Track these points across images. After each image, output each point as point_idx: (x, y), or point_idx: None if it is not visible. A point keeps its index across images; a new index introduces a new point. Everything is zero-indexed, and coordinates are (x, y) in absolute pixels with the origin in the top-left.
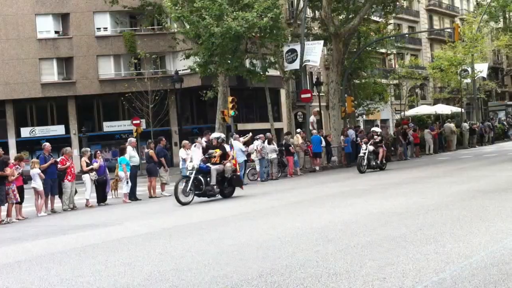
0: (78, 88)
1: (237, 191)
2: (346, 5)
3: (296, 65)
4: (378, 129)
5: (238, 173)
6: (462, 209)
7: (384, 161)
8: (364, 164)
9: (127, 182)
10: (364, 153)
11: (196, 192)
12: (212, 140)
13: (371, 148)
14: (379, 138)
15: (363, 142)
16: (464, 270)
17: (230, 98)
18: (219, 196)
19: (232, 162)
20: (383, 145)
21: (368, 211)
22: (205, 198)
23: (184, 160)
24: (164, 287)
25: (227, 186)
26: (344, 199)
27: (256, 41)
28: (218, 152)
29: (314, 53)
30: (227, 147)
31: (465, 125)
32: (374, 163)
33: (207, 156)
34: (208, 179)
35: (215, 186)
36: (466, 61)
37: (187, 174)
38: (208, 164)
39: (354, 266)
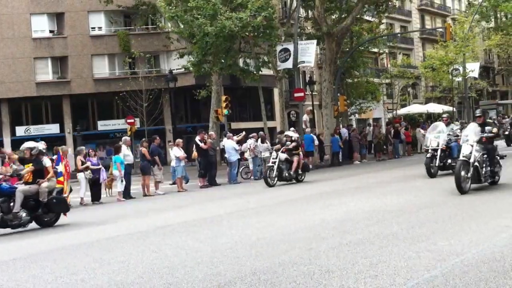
0: (72, 87)
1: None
2: (339, 4)
3: (289, 64)
4: (292, 133)
5: (65, 194)
6: (454, 207)
7: (301, 171)
8: (274, 175)
9: (122, 181)
10: (274, 163)
11: None
12: (25, 152)
13: (283, 156)
14: (294, 144)
15: (274, 150)
16: (455, 268)
17: (223, 97)
18: (34, 226)
19: (54, 181)
20: (300, 152)
21: (360, 209)
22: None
23: (178, 158)
24: (158, 285)
25: (45, 212)
26: (337, 197)
27: (249, 41)
28: (28, 167)
29: (309, 53)
30: (46, 161)
31: (456, 123)
32: (286, 174)
33: (15, 174)
34: (12, 203)
35: (22, 214)
36: (458, 60)
37: None
38: (17, 183)
39: (347, 264)
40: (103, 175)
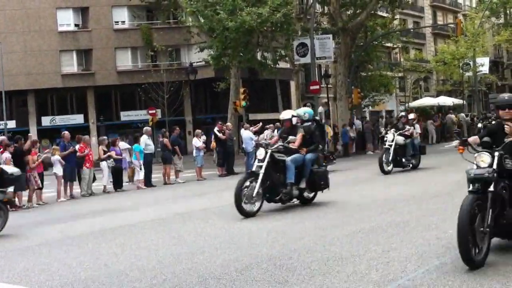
0: (96, 78)
1: None
2: (353, 0)
3: (308, 59)
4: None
5: None
6: (463, 196)
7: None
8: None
9: (140, 169)
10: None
11: None
12: None
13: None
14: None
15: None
16: None
17: (242, 89)
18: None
19: None
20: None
21: (373, 197)
22: None
23: (198, 148)
24: (178, 269)
25: None
26: (352, 186)
27: (267, 35)
28: None
29: (327, 49)
30: None
31: (463, 115)
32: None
33: None
34: None
35: None
36: (468, 55)
37: None
38: None
39: (359, 251)
40: (127, 163)
